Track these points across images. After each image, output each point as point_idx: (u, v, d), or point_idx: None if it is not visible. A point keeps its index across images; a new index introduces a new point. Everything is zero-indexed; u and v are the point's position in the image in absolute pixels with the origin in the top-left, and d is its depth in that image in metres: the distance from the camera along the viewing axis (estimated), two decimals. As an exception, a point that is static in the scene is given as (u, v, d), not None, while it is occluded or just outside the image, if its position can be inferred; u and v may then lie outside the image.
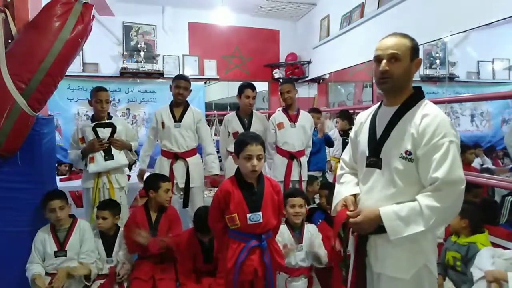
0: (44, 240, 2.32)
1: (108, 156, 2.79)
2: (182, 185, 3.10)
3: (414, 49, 1.38)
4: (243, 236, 1.81)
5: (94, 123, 2.81)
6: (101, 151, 2.78)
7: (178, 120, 3.10)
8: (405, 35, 1.41)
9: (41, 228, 2.36)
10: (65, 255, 2.31)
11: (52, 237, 2.33)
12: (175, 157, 3.09)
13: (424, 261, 1.35)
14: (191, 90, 3.19)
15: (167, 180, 2.62)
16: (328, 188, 3.24)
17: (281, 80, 5.49)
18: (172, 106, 3.16)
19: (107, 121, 2.85)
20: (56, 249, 2.31)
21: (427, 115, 1.31)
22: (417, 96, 1.39)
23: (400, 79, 1.37)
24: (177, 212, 2.67)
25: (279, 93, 3.35)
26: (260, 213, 1.81)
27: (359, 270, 1.46)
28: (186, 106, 3.18)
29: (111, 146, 2.82)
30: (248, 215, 1.79)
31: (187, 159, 3.11)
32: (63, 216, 2.33)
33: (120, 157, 2.86)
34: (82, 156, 2.81)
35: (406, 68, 1.36)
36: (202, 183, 3.26)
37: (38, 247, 2.31)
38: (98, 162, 2.77)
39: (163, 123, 3.09)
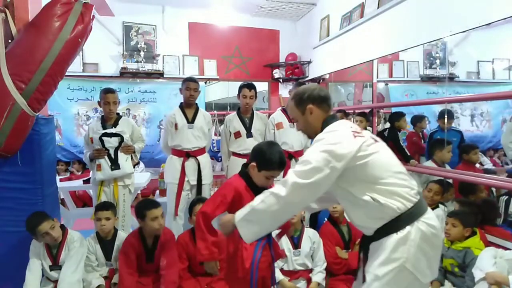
0: (39, 254, 2.32)
1: (115, 165, 2.91)
2: (193, 182, 3.17)
3: (299, 103, 1.59)
4: None
5: (101, 132, 2.90)
6: (108, 161, 2.90)
7: (191, 121, 3.18)
8: (292, 96, 1.64)
9: (35, 240, 2.32)
10: (60, 269, 2.30)
11: (46, 253, 2.32)
12: (186, 155, 3.15)
13: (402, 262, 1.32)
14: (200, 91, 3.26)
15: (154, 207, 2.36)
16: None
17: (281, 80, 5.51)
18: (183, 107, 3.23)
19: (114, 131, 2.93)
20: (50, 264, 2.32)
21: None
22: (323, 128, 1.54)
23: (307, 130, 1.62)
24: (171, 234, 2.51)
25: (278, 94, 3.35)
26: None
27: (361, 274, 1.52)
28: (197, 108, 3.27)
29: (118, 156, 2.92)
30: None
31: (198, 157, 3.18)
32: (58, 234, 2.30)
33: (126, 166, 2.97)
34: (90, 159, 2.99)
35: (304, 122, 1.60)
36: (211, 181, 3.34)
37: (35, 259, 2.30)
38: (105, 171, 2.90)
39: (176, 124, 3.15)
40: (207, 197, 3.10)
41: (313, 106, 1.56)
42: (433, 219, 1.40)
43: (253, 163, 1.77)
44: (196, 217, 1.79)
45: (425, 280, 1.37)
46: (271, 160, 1.74)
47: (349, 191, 1.43)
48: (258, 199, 1.45)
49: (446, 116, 3.51)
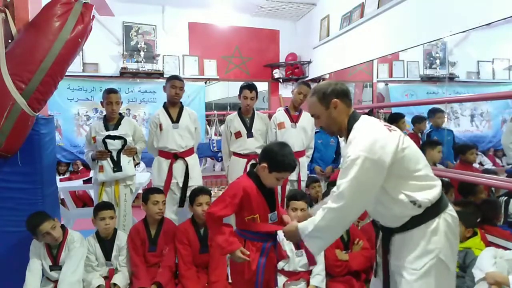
0: (39, 254, 2.31)
1: (117, 167, 2.93)
2: (182, 185, 3.11)
3: (323, 98, 1.54)
4: (261, 236, 1.79)
5: (105, 135, 2.91)
6: (110, 163, 2.91)
7: (175, 120, 3.12)
8: (313, 92, 1.58)
9: (35, 240, 2.32)
10: (60, 269, 2.30)
11: (46, 253, 2.32)
12: (174, 156, 3.09)
13: (437, 253, 1.38)
14: (184, 90, 3.21)
15: (157, 192, 2.63)
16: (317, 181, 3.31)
17: (281, 80, 5.51)
18: (166, 107, 3.17)
19: (117, 134, 2.94)
20: (50, 264, 2.32)
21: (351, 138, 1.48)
22: (351, 123, 1.52)
23: (331, 126, 1.57)
24: (173, 225, 2.70)
25: (278, 94, 3.35)
26: (276, 212, 1.83)
27: (384, 266, 1.56)
28: (181, 106, 3.20)
29: (121, 158, 2.94)
30: (269, 215, 1.80)
31: (186, 158, 3.12)
32: (59, 234, 2.30)
33: (128, 168, 2.98)
34: (92, 159, 2.99)
35: (328, 118, 1.56)
36: (201, 182, 3.27)
37: (35, 259, 2.30)
38: (107, 173, 2.91)
39: (160, 125, 3.10)
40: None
41: (338, 100, 1.53)
42: (454, 211, 1.47)
43: (264, 164, 1.74)
44: (205, 218, 1.80)
45: (452, 268, 1.44)
46: (283, 162, 1.72)
47: (383, 188, 1.41)
48: (318, 216, 1.46)
49: (447, 113, 3.52)
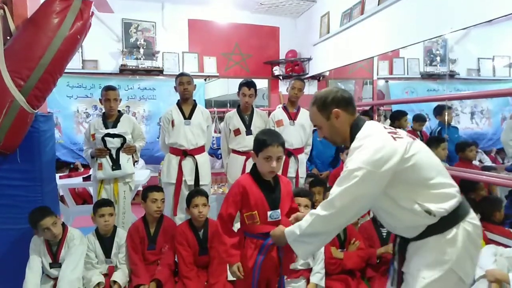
0: (39, 251, 2.31)
1: (116, 166, 2.92)
2: (190, 183, 3.11)
3: (323, 108, 1.48)
4: (261, 234, 1.78)
5: (104, 133, 2.90)
6: (109, 161, 2.91)
7: (188, 117, 3.13)
8: (313, 101, 1.52)
9: (35, 237, 2.31)
10: (60, 267, 2.29)
11: (46, 250, 2.32)
12: (183, 153, 3.10)
13: (450, 265, 1.29)
14: (195, 85, 3.22)
15: (155, 190, 2.58)
16: (321, 184, 3.10)
17: (281, 77, 5.50)
18: (180, 104, 3.19)
19: (116, 132, 2.93)
20: (50, 261, 2.31)
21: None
22: (354, 132, 1.46)
23: (334, 137, 1.52)
24: (173, 223, 2.69)
25: (278, 91, 3.35)
26: (279, 210, 1.81)
27: (398, 275, 1.47)
28: (195, 104, 3.22)
29: (120, 156, 2.93)
30: (269, 213, 1.78)
31: (195, 156, 3.13)
32: (59, 231, 2.29)
33: (127, 166, 2.97)
34: (91, 156, 2.99)
35: (330, 129, 1.50)
36: (210, 181, 3.28)
37: (35, 256, 2.29)
38: (106, 171, 2.91)
39: (172, 121, 3.11)
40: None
41: (339, 109, 1.45)
42: (476, 219, 1.36)
43: (252, 151, 1.79)
44: (217, 223, 1.83)
45: (468, 281, 1.33)
46: (263, 139, 1.73)
47: (393, 199, 1.35)
48: (305, 222, 1.43)
49: (446, 112, 3.50)
